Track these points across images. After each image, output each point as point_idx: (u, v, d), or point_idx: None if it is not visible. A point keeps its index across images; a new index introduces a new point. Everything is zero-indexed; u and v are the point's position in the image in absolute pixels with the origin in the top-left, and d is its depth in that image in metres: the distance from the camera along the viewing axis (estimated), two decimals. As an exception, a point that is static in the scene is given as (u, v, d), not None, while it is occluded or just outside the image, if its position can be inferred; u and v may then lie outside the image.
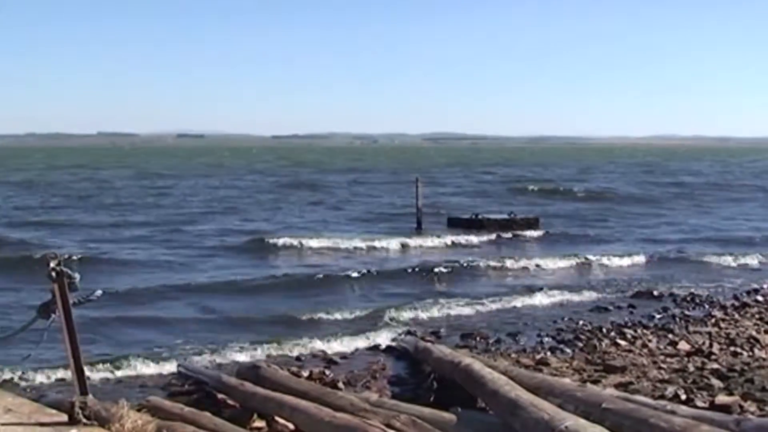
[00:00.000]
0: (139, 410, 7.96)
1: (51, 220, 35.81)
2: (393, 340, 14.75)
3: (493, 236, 30.72)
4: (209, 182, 66.89)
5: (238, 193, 53.83)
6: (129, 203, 45.55)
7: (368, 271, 22.14)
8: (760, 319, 16.42)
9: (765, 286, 20.76)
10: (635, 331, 15.32)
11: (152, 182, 65.56)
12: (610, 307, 18.03)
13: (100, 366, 12.57)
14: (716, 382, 11.07)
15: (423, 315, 17.18)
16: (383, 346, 14.43)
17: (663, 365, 12.48)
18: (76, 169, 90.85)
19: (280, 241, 27.97)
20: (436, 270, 22.66)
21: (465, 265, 23.66)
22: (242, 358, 13.22)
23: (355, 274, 21.54)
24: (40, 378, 12.00)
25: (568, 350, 13.93)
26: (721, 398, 9.95)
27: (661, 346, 13.96)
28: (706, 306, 18.15)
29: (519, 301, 18.67)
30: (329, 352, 14.12)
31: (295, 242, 28.02)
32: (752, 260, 25.30)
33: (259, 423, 9.18)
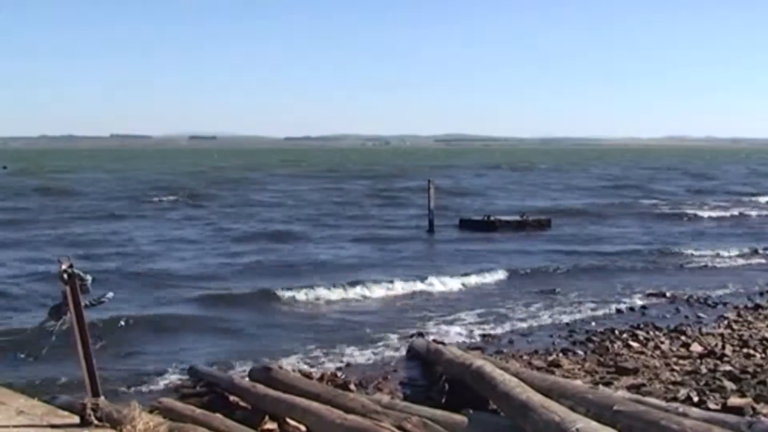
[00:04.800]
0: (150, 412, 7.98)
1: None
2: (409, 337, 14.76)
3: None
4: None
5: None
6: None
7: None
8: (774, 320, 16.33)
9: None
10: (648, 332, 15.26)
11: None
12: (623, 308, 17.98)
13: (113, 367, 12.60)
14: (729, 384, 11.01)
15: (434, 315, 17.20)
16: (395, 348, 14.42)
17: (675, 367, 12.43)
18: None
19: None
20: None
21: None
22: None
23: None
24: (52, 379, 12.02)
25: (581, 352, 13.89)
26: (734, 400, 9.90)
27: (674, 348, 13.90)
28: (719, 307, 18.08)
29: (532, 302, 18.69)
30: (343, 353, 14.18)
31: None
32: None
33: (271, 425, 9.19)
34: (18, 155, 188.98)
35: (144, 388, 11.91)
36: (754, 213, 42.97)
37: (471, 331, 15.85)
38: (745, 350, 13.51)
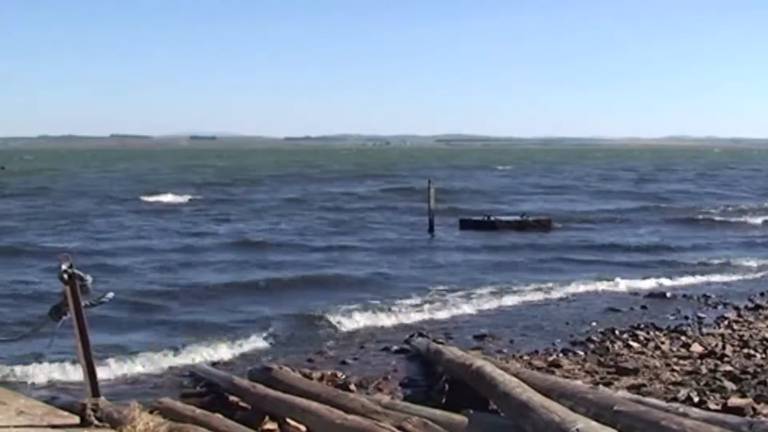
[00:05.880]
0: (150, 412, 7.96)
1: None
2: (405, 341, 14.74)
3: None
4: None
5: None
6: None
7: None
8: (774, 320, 16.32)
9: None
10: (648, 333, 15.26)
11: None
12: (623, 309, 17.98)
13: (113, 368, 12.62)
14: (729, 384, 11.00)
15: (435, 315, 17.22)
16: (395, 348, 14.42)
17: (676, 367, 12.43)
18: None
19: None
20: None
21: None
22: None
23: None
24: (52, 380, 12.04)
25: (581, 352, 13.89)
26: (734, 400, 9.89)
27: (674, 348, 13.89)
28: (720, 307, 18.08)
29: (532, 303, 18.72)
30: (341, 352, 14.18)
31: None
32: None
33: (271, 425, 9.18)
34: (17, 155, 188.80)
35: (144, 388, 11.92)
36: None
37: (471, 332, 15.86)
38: (745, 350, 13.51)
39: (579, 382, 10.22)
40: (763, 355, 13.13)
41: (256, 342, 14.87)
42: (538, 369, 11.99)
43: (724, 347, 13.72)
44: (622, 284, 21.02)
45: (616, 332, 15.33)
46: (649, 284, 21.10)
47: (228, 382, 10.45)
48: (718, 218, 40.04)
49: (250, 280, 21.18)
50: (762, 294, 19.76)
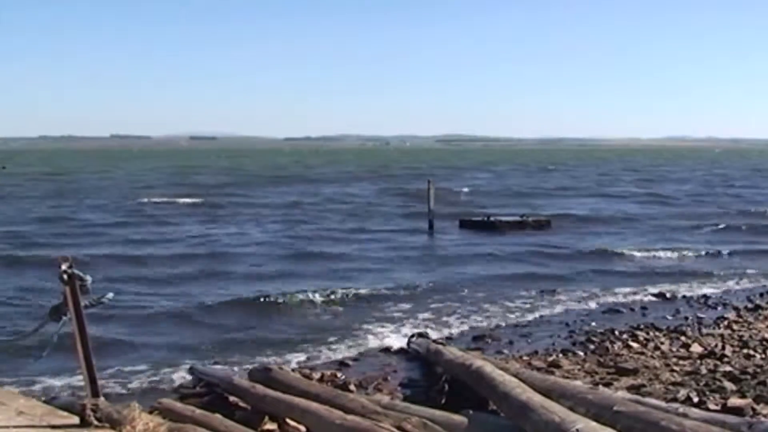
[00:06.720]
0: (150, 412, 7.97)
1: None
2: (405, 342, 14.74)
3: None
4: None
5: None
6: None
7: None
8: (774, 321, 16.31)
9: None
10: (648, 333, 15.25)
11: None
12: (623, 309, 17.98)
13: (112, 368, 12.63)
14: (729, 385, 10.99)
15: (434, 316, 17.21)
16: (395, 348, 14.41)
17: (675, 368, 12.41)
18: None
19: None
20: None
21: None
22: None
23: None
24: (51, 380, 12.04)
25: (581, 352, 13.88)
26: (734, 401, 9.88)
27: (674, 349, 13.89)
28: (719, 308, 18.08)
29: (532, 303, 18.74)
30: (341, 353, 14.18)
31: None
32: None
33: (271, 425, 9.17)
34: (18, 156, 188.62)
35: (144, 389, 11.92)
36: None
37: (471, 332, 15.86)
38: (745, 351, 13.49)
39: (579, 383, 10.21)
40: (763, 356, 13.12)
41: (255, 343, 14.88)
42: (538, 369, 11.98)
43: (723, 348, 13.71)
44: (622, 285, 21.00)
45: (616, 332, 15.32)
46: (648, 285, 21.09)
47: (228, 382, 10.44)
48: (721, 219, 39.77)
49: (250, 288, 21.02)
50: (761, 294, 19.77)
